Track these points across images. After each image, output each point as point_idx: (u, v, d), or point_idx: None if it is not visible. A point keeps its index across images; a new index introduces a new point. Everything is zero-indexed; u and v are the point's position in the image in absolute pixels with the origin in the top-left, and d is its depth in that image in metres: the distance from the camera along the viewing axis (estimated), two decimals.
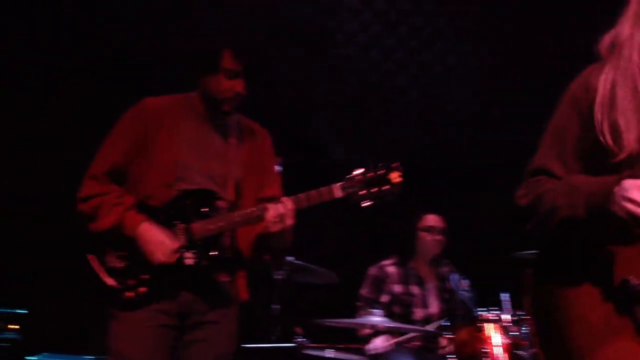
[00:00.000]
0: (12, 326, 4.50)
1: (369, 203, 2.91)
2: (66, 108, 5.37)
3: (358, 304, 4.78)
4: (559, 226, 2.10)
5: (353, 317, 4.60)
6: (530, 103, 5.36)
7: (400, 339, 4.41)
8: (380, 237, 5.37)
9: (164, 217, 3.01)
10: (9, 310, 4.59)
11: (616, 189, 1.99)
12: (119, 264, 3.03)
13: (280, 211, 2.92)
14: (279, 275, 4.45)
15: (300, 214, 3.05)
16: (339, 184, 2.92)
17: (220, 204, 3.09)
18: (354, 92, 5.76)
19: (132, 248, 3.00)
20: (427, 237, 4.87)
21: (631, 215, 1.95)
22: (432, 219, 4.93)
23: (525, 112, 5.47)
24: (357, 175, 2.93)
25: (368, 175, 2.92)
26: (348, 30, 5.68)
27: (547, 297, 2.16)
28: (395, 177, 2.90)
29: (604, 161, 2.11)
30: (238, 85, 3.06)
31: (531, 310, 2.22)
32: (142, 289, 3.00)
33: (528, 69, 5.60)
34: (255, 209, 2.98)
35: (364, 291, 4.81)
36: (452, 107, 5.81)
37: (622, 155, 2.08)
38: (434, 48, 5.75)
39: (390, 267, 4.87)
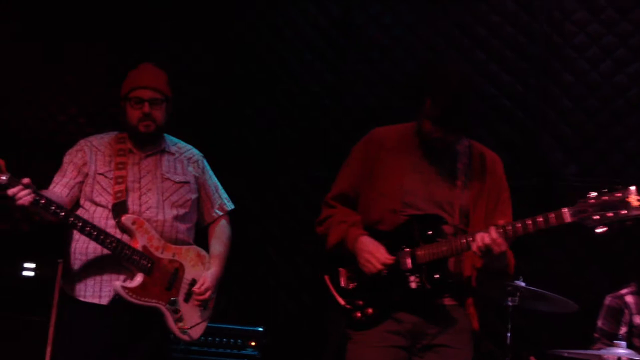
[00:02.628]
0: (252, 343, 4.71)
1: (604, 229, 2.74)
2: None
3: (595, 335, 4.51)
4: None
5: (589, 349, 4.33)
6: None
7: None
8: (621, 262, 5.01)
9: (392, 242, 3.06)
10: (248, 328, 4.81)
11: None
12: (349, 285, 3.15)
13: (486, 242, 2.86)
14: (510, 302, 4.28)
15: (535, 239, 2.93)
16: (569, 208, 2.80)
17: (446, 229, 3.07)
18: (587, 107, 5.44)
19: (359, 268, 3.08)
20: None
21: None
22: None
23: None
24: (590, 198, 2.78)
25: (603, 198, 2.76)
26: (577, 44, 5.39)
27: None
28: (634, 200, 2.70)
29: None
30: (437, 132, 3.02)
31: None
32: (370, 310, 3.08)
33: None
34: (464, 238, 2.95)
35: (600, 322, 4.52)
36: None
37: None
38: None
39: (629, 297, 4.52)
